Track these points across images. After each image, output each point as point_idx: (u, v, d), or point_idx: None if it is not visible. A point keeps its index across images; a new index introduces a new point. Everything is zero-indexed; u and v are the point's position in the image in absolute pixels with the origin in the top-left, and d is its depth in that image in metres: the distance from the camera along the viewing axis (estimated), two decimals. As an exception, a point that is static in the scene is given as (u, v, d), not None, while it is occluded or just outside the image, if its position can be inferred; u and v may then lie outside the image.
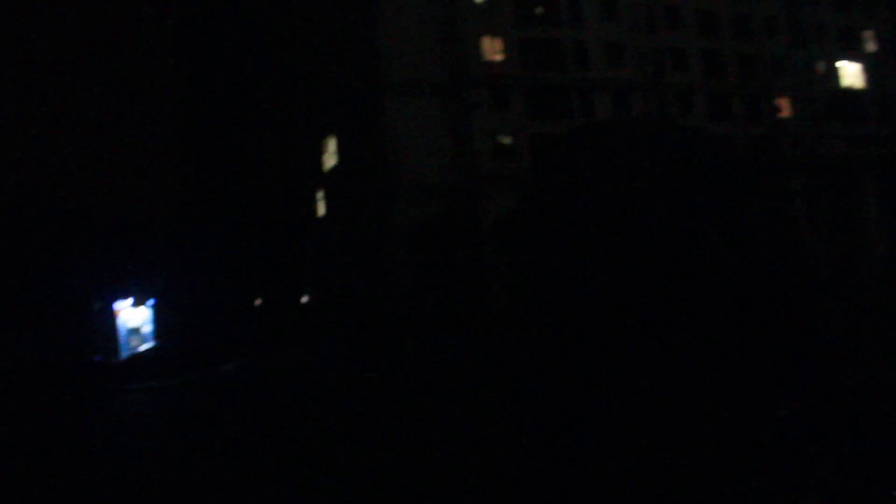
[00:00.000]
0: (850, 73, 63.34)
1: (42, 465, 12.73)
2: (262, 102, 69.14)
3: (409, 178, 46.53)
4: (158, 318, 44.68)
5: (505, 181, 42.93)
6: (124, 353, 39.77)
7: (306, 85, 60.19)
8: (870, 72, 63.65)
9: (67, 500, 10.00)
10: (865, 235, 56.03)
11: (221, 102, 78.35)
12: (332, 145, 56.34)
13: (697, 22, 57.16)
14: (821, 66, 62.04)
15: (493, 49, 50.61)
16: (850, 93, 62.63)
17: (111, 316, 43.71)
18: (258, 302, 59.43)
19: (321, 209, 58.38)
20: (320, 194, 58.42)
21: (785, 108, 59.16)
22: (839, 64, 62.93)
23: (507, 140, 49.08)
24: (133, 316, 43.91)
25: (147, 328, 43.74)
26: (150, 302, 45.15)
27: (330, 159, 56.72)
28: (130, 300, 44.42)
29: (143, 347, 38.16)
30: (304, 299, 55.90)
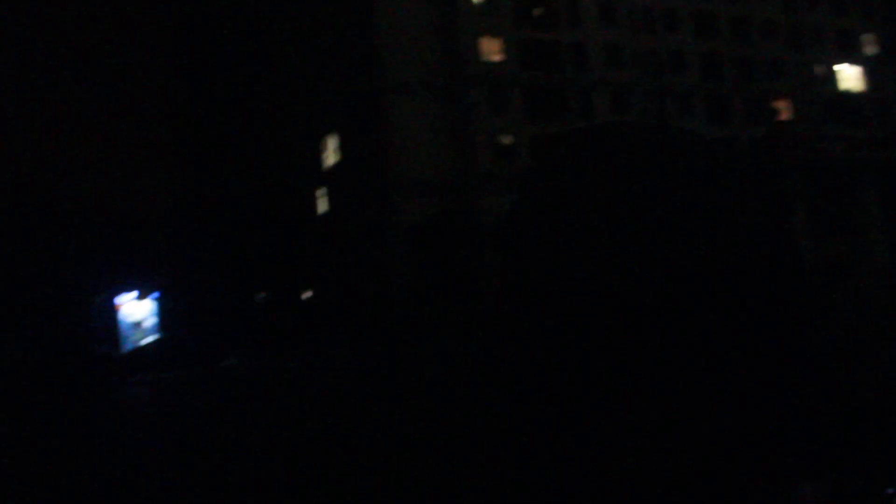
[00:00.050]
0: (849, 76, 63.63)
1: (44, 461, 12.81)
2: (264, 100, 69.44)
3: (408, 176, 46.88)
4: (161, 312, 44.93)
5: (504, 181, 43.32)
6: (127, 347, 40.05)
7: (307, 83, 60.51)
8: (868, 74, 63.94)
9: (68, 498, 10.04)
10: (865, 238, 56.32)
11: (223, 100, 78.63)
12: (333, 143, 56.66)
13: (696, 24, 57.47)
14: (819, 69, 62.35)
15: (492, 49, 50.94)
16: (849, 95, 62.94)
17: (114, 309, 43.96)
18: (260, 297, 59.74)
19: (322, 206, 58.70)
20: (321, 191, 58.74)
21: (784, 110, 59.46)
22: (838, 67, 63.23)
23: (506, 140, 49.44)
24: (136, 309, 44.15)
25: (150, 322, 43.98)
26: (154, 296, 45.41)
27: (331, 157, 57.05)
28: (134, 294, 44.68)
29: (146, 341, 38.48)
30: (306, 295, 56.24)
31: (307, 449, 11.45)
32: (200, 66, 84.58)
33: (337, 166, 56.01)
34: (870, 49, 64.43)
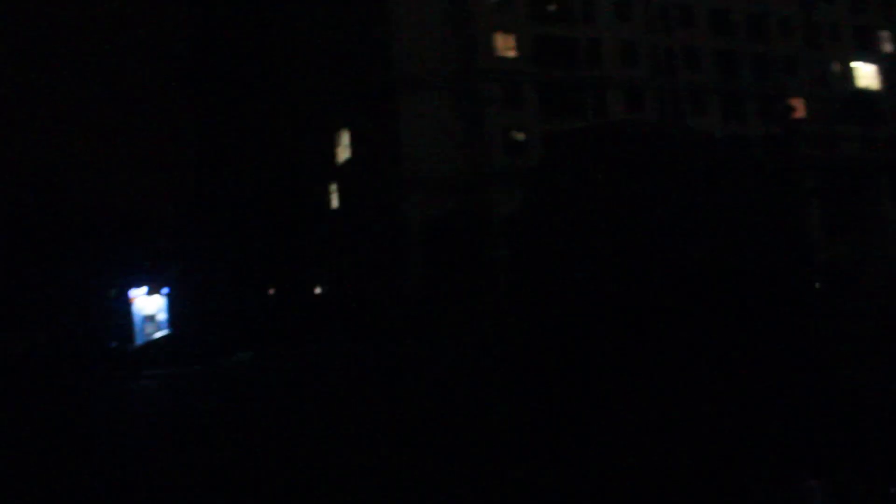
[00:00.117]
0: (865, 74, 63.21)
1: (55, 455, 12.87)
2: (275, 95, 69.53)
3: (420, 172, 46.83)
4: (173, 306, 45.13)
5: (517, 178, 43.24)
6: (139, 340, 40.21)
7: (320, 78, 60.55)
8: (885, 73, 63.51)
9: (79, 493, 10.08)
10: (880, 236, 55.98)
11: (234, 95, 78.78)
12: (345, 138, 56.69)
13: (711, 21, 57.19)
14: (835, 67, 61.96)
15: (506, 45, 50.84)
16: (865, 94, 62.52)
17: (127, 303, 44.22)
18: (271, 292, 59.87)
19: (334, 201, 58.76)
20: (333, 187, 58.79)
21: (799, 108, 59.12)
22: (854, 65, 62.82)
23: (519, 136, 49.34)
24: (148, 304, 44.40)
25: (162, 316, 44.20)
26: (165, 290, 45.63)
27: (343, 152, 57.08)
28: (146, 288, 44.92)
29: (158, 335, 38.61)
30: (318, 290, 56.34)
31: (316, 445, 11.47)
32: (211, 60, 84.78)
33: (349, 162, 56.03)
34: (887, 47, 63.98)
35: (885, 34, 64.01)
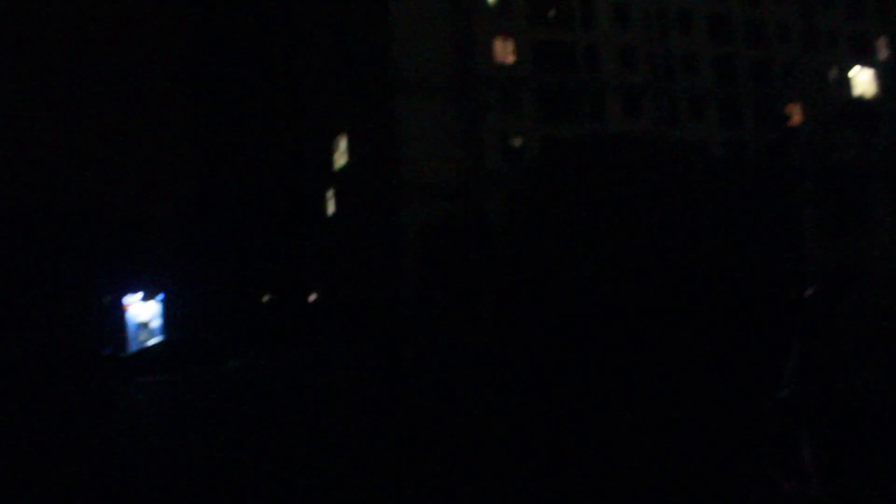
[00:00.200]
0: (863, 81, 63.16)
1: (45, 461, 12.73)
2: (274, 100, 69.37)
3: (418, 177, 46.62)
4: (167, 313, 44.92)
5: (514, 183, 42.94)
6: (132, 347, 40.00)
7: (318, 83, 60.38)
8: (883, 80, 63.45)
9: (69, 498, 9.98)
10: (876, 242, 55.85)
11: (232, 100, 78.63)
12: (342, 144, 56.49)
13: (710, 26, 57.10)
14: (833, 73, 61.89)
15: (505, 50, 50.68)
16: (863, 100, 62.46)
17: (120, 310, 43.99)
18: (266, 299, 59.61)
19: (331, 208, 58.54)
20: (330, 193, 58.57)
21: (796, 114, 59.03)
22: (852, 71, 62.76)
23: (518, 141, 49.14)
24: (142, 310, 44.18)
25: (156, 322, 43.97)
26: (160, 296, 45.41)
27: (341, 158, 56.88)
28: (140, 294, 44.70)
29: (152, 341, 38.36)
30: (312, 297, 56.07)
31: (310, 450, 11.34)
32: (210, 66, 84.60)
33: (347, 167, 55.83)
34: (884, 54, 63.93)
35: (882, 41, 63.96)
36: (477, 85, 49.47)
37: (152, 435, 15.53)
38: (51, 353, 34.99)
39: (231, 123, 79.06)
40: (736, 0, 58.30)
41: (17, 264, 48.27)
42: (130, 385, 27.60)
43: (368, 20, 51.70)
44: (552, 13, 52.06)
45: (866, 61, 63.15)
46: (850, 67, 62.69)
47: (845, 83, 62.62)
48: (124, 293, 44.96)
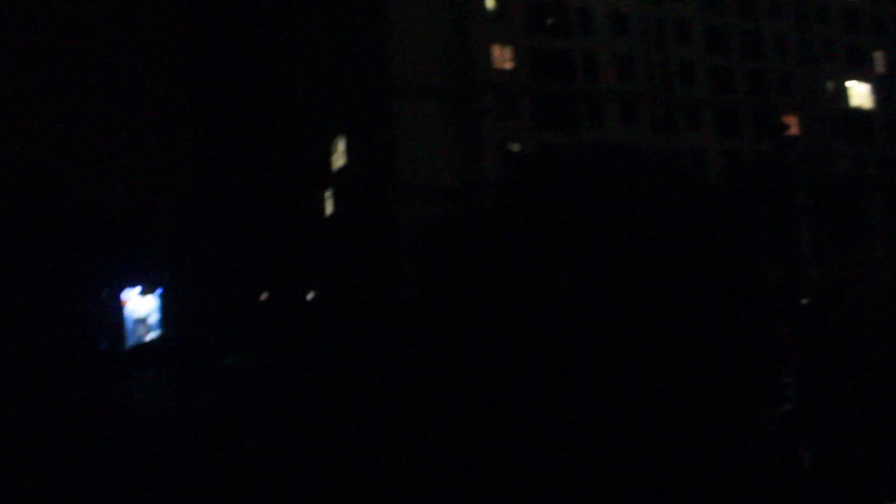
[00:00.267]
0: (859, 93, 63.59)
1: (43, 455, 12.78)
2: (273, 100, 69.63)
3: (415, 181, 46.92)
4: (165, 308, 45.13)
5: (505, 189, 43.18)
6: (130, 342, 40.19)
7: (317, 84, 60.68)
8: (878, 92, 63.89)
9: (67, 493, 10.05)
10: (870, 254, 56.15)
11: (232, 99, 78.84)
12: (341, 145, 56.79)
13: (707, 37, 57.50)
14: (829, 86, 62.32)
15: (502, 57, 51.03)
16: (858, 113, 62.88)
17: (118, 305, 44.19)
18: (264, 297, 59.84)
19: (329, 208, 58.83)
20: (329, 193, 58.86)
21: (792, 125, 59.41)
22: (848, 83, 63.19)
23: (514, 147, 49.47)
24: (140, 305, 44.39)
25: (154, 318, 44.18)
26: (158, 292, 45.63)
27: (339, 159, 57.17)
28: (138, 289, 44.90)
29: (149, 337, 38.62)
30: (310, 296, 56.34)
31: (305, 448, 11.45)
32: (210, 65, 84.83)
33: (345, 168, 56.13)
34: (880, 67, 64.38)
35: (878, 54, 64.41)
36: (474, 90, 49.80)
37: (150, 430, 15.74)
38: (49, 348, 35.19)
39: (230, 122, 79.30)
40: (733, 11, 58.74)
41: (17, 260, 48.47)
42: (127, 380, 27.86)
43: (367, 23, 52.02)
44: (550, 21, 52.42)
45: (862, 73, 63.60)
46: (846, 79, 63.13)
47: (841, 95, 63.05)
48: (122, 288, 45.15)
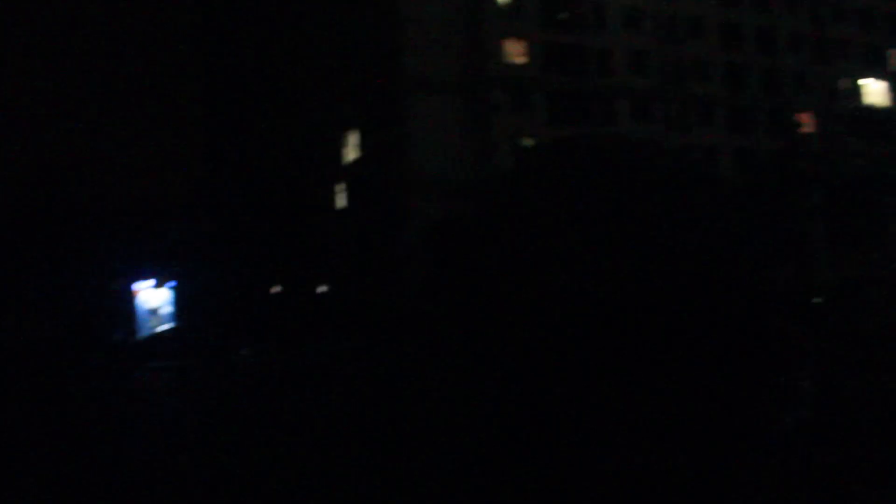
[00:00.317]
0: (874, 91, 63.27)
1: (54, 447, 12.85)
2: (285, 92, 69.73)
3: (426, 175, 46.98)
4: (178, 300, 45.29)
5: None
6: (143, 333, 40.35)
7: (330, 77, 60.75)
8: (893, 90, 63.55)
9: (77, 485, 10.10)
10: (884, 253, 55.94)
11: (243, 93, 79.00)
12: (353, 139, 56.87)
13: (721, 33, 57.31)
14: (844, 83, 62.04)
15: (515, 51, 50.99)
16: (873, 110, 62.58)
17: (131, 296, 44.39)
18: (276, 289, 60.02)
19: (341, 201, 58.94)
20: (340, 187, 58.97)
21: (806, 123, 59.19)
22: (863, 81, 62.88)
23: (527, 142, 49.46)
24: (153, 297, 44.55)
25: (167, 309, 44.34)
26: (171, 284, 45.78)
27: (351, 152, 57.26)
28: (152, 281, 45.08)
29: (162, 328, 38.77)
30: (322, 289, 56.50)
31: (313, 442, 11.49)
32: (221, 58, 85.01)
33: (357, 162, 56.21)
34: (895, 64, 64.03)
35: (893, 51, 64.05)
36: (487, 85, 49.79)
37: (164, 420, 15.85)
38: (61, 338, 35.39)
39: (241, 116, 79.47)
40: (748, 7, 58.51)
41: (32, 252, 48.77)
42: (141, 370, 28.01)
43: (380, 18, 52.05)
44: (564, 15, 52.35)
45: (877, 71, 63.28)
46: (860, 77, 62.82)
47: (856, 93, 62.76)
48: (135, 279, 45.35)
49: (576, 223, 0.50)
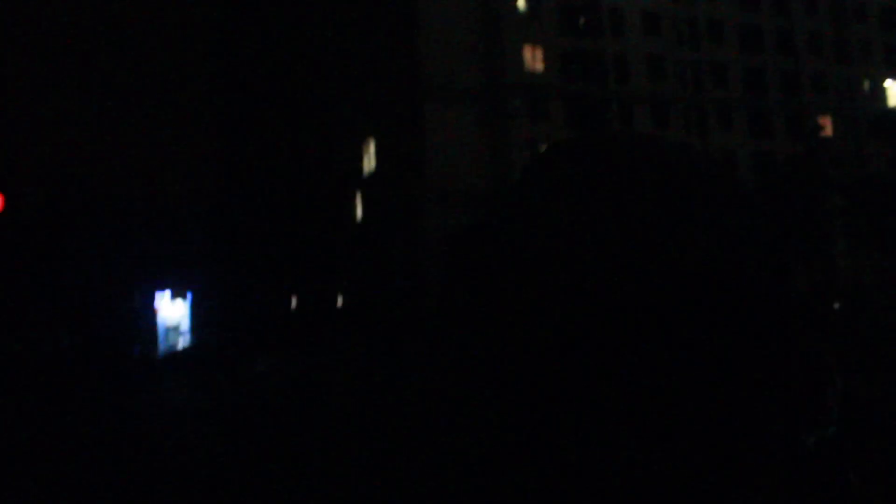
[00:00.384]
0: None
1: (71, 460, 12.92)
2: (304, 104, 69.95)
3: (445, 184, 46.89)
4: (196, 313, 45.53)
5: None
6: (162, 348, 40.60)
7: (348, 87, 60.86)
8: (916, 92, 62.82)
9: (91, 494, 10.13)
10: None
11: (263, 107, 79.33)
12: (371, 148, 56.91)
13: (740, 36, 56.90)
14: (866, 84, 61.39)
15: (533, 58, 50.85)
16: (895, 112, 61.85)
17: (152, 311, 44.66)
18: (294, 301, 60.13)
19: (359, 212, 58.98)
20: (358, 197, 59.02)
21: (827, 126, 58.60)
22: (885, 82, 62.19)
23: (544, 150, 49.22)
24: (172, 312, 44.81)
25: (185, 323, 44.59)
26: (188, 297, 46.05)
27: (369, 162, 57.31)
28: (169, 293, 45.35)
29: (181, 344, 38.99)
30: (339, 301, 56.53)
31: (331, 453, 11.48)
32: (241, 71, 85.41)
33: (375, 171, 56.24)
34: (918, 65, 63.27)
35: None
36: (505, 92, 49.68)
37: (181, 435, 15.86)
38: (81, 351, 35.62)
39: (260, 128, 79.80)
40: (767, 9, 58.06)
41: (51, 264, 49.18)
42: (160, 385, 28.10)
43: (398, 26, 52.08)
44: (581, 22, 52.15)
45: (900, 73, 62.56)
46: (883, 78, 62.13)
47: (878, 94, 62.08)
48: (153, 293, 45.65)
49: (585, 227, 0.50)
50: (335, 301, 56.86)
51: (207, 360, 31.23)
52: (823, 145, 55.69)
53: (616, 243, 0.50)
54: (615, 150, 0.56)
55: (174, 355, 34.17)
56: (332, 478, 10.30)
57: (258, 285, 59.59)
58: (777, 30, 58.27)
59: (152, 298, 45.16)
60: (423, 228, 46.16)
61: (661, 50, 54.03)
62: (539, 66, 51.06)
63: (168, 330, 43.76)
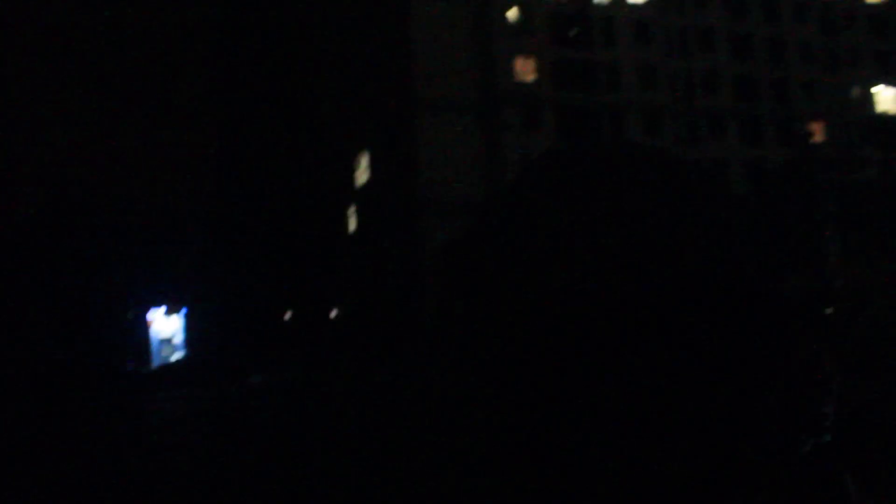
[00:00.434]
0: (886, 98, 62.83)
1: (65, 479, 12.85)
2: (297, 118, 69.97)
3: (438, 195, 46.88)
4: (190, 327, 45.35)
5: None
6: (156, 362, 40.40)
7: (342, 100, 60.90)
8: (906, 97, 63.08)
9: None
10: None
11: (256, 119, 79.35)
12: (364, 161, 56.92)
13: (731, 45, 57.10)
14: (856, 91, 61.64)
15: (526, 69, 50.94)
16: (885, 118, 62.11)
17: (145, 325, 44.47)
18: (288, 314, 59.97)
19: (352, 224, 58.94)
20: (352, 209, 58.99)
21: (818, 132, 58.77)
22: (875, 89, 62.46)
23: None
24: (166, 326, 44.62)
25: (178, 337, 44.40)
26: (182, 311, 45.87)
27: (363, 175, 57.30)
28: (163, 308, 45.17)
29: (175, 357, 38.80)
30: (333, 314, 56.39)
31: (325, 467, 11.42)
32: (235, 83, 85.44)
33: (368, 184, 56.22)
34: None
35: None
36: (498, 103, 49.73)
37: (174, 451, 15.75)
38: (74, 366, 35.42)
39: (257, 143, 79.78)
40: (757, 18, 58.30)
41: (45, 277, 48.98)
42: (153, 400, 27.94)
43: (391, 39, 52.16)
44: (573, 32, 52.28)
45: (889, 78, 62.85)
46: (872, 85, 62.40)
47: (868, 101, 62.33)
48: (148, 307, 45.48)
49: (580, 232, 0.50)
50: (330, 313, 56.73)
51: (202, 373, 31.05)
52: (815, 151, 55.86)
53: (611, 247, 0.51)
54: (608, 158, 0.57)
55: (168, 368, 33.98)
56: (332, 478, 10.19)
57: (253, 298, 59.44)
58: (767, 38, 58.50)
59: (146, 312, 44.97)
60: (418, 239, 46.12)
61: (652, 59, 54.18)
62: (531, 76, 51.14)
63: (162, 344, 43.56)
